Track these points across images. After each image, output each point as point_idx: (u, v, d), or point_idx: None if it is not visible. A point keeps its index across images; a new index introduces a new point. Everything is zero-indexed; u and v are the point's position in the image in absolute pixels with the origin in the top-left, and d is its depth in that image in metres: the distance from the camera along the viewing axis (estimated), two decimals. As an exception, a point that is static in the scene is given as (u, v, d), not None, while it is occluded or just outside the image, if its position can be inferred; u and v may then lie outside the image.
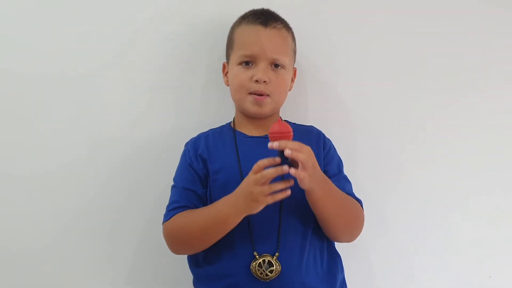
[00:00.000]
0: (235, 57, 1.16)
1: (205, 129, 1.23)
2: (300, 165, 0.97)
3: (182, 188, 1.12)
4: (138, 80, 1.31)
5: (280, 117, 1.00)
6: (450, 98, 1.40)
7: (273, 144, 0.96)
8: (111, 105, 1.30)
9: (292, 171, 0.95)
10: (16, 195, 1.28)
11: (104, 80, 1.30)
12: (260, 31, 1.14)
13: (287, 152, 0.95)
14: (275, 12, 1.20)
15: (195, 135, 1.22)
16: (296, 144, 0.97)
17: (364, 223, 1.16)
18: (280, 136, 0.97)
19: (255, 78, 1.12)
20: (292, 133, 0.98)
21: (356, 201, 1.15)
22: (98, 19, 1.29)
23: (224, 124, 1.24)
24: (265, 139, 1.14)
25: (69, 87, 1.29)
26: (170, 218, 1.10)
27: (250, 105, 1.15)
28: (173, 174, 1.17)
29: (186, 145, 1.20)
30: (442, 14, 1.39)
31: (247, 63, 1.14)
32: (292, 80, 1.24)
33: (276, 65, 1.15)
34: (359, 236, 1.17)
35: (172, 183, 1.16)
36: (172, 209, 1.11)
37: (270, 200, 0.98)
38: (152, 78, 1.31)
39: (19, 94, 1.28)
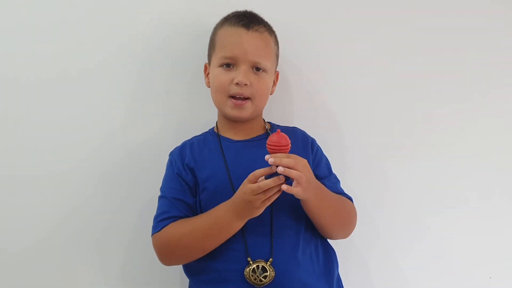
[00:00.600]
0: (216, 58, 1.14)
1: (191, 133, 1.22)
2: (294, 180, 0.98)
3: (171, 198, 1.10)
4: (122, 86, 1.30)
5: (279, 129, 1.01)
6: (442, 99, 1.40)
7: (269, 158, 0.97)
8: (97, 111, 1.29)
9: (285, 187, 0.97)
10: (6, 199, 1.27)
11: (89, 86, 1.28)
12: (242, 34, 1.12)
13: (280, 169, 0.96)
14: (258, 14, 1.19)
15: (181, 139, 1.20)
16: (291, 161, 0.97)
17: (359, 222, 1.17)
18: (277, 148, 0.98)
19: (235, 81, 1.11)
20: (290, 146, 0.99)
21: (348, 200, 1.16)
22: (83, 26, 1.28)
23: (207, 130, 1.23)
24: (250, 142, 1.15)
25: (54, 92, 1.27)
26: (161, 229, 1.08)
27: (229, 109, 1.14)
28: (160, 180, 1.16)
29: (171, 154, 1.18)
30: (437, 12, 1.39)
31: (228, 65, 1.13)
32: (274, 84, 1.23)
33: (258, 69, 1.14)
34: (355, 235, 1.18)
35: (159, 193, 1.14)
36: (162, 220, 1.08)
37: (268, 203, 1.00)
38: (135, 83, 1.30)
39: (6, 98, 1.26)
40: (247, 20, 1.14)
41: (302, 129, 1.23)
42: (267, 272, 1.03)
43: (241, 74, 1.11)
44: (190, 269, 1.12)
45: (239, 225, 1.03)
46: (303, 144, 1.18)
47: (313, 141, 1.21)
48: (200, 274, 1.09)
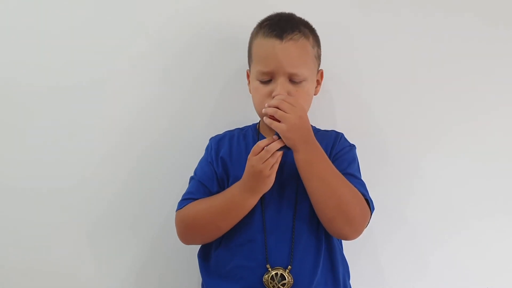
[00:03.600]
0: (254, 71, 1.13)
1: (223, 129, 1.23)
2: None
3: (199, 182, 1.13)
4: (153, 82, 1.31)
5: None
6: (473, 101, 1.37)
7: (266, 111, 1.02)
8: (126, 107, 1.31)
9: (267, 121, 1.02)
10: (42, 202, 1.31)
11: (117, 83, 1.30)
12: (275, 45, 1.08)
13: (264, 110, 1.02)
14: (294, 15, 1.14)
15: (210, 136, 1.21)
16: (280, 101, 1.02)
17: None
18: None
19: (274, 94, 1.08)
20: None
21: (359, 193, 1.06)
22: (113, 22, 1.29)
23: (250, 124, 1.23)
24: (290, 150, 1.07)
25: (87, 90, 1.29)
26: (183, 207, 1.11)
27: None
28: (187, 179, 1.18)
29: (211, 140, 1.19)
30: (469, 16, 1.37)
31: (266, 79, 1.11)
32: (319, 83, 1.19)
33: (296, 79, 1.10)
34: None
35: (192, 173, 1.17)
36: (186, 199, 1.12)
37: (276, 168, 1.02)
38: (168, 78, 1.31)
39: (42, 101, 1.30)
40: (280, 29, 1.09)
41: (342, 131, 1.21)
42: (285, 279, 1.04)
43: (278, 86, 1.08)
44: (205, 268, 1.13)
45: (253, 202, 1.05)
46: (332, 141, 1.16)
47: (342, 140, 1.17)
48: (217, 269, 1.10)
